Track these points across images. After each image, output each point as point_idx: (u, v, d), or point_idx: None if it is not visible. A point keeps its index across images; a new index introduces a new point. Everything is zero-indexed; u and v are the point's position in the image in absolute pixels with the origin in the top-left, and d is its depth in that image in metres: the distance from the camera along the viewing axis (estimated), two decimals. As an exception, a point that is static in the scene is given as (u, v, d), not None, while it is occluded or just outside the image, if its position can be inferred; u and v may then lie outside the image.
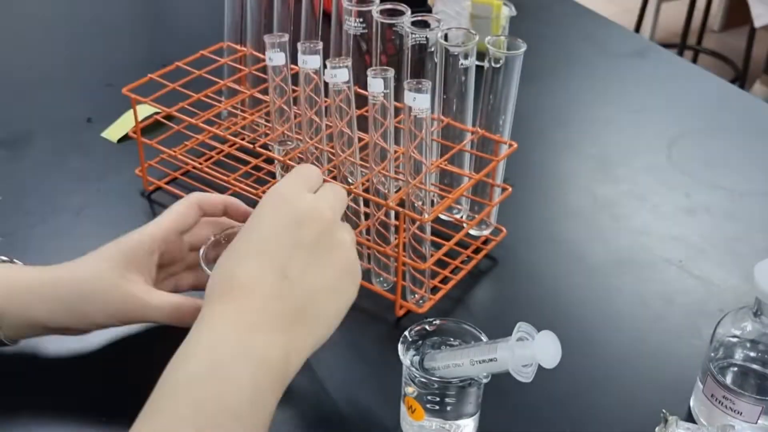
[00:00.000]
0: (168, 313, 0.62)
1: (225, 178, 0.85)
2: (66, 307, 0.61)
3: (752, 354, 0.62)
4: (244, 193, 0.83)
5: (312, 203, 0.54)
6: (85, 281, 0.61)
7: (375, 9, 0.78)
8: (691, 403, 0.67)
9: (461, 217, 0.86)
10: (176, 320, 0.62)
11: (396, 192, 0.74)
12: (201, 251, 0.65)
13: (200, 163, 0.90)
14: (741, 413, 0.61)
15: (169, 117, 0.89)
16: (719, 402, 0.62)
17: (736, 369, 0.63)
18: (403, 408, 0.63)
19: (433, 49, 0.77)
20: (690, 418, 0.66)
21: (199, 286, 0.70)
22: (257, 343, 0.49)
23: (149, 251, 0.64)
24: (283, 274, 0.51)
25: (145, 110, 0.96)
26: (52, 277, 0.62)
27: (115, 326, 0.65)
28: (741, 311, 0.63)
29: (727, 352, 0.63)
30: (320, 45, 0.73)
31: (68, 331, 0.64)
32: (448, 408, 0.61)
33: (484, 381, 0.60)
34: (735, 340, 0.63)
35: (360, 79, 0.76)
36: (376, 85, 0.69)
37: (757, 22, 2.54)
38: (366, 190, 0.75)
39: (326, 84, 0.73)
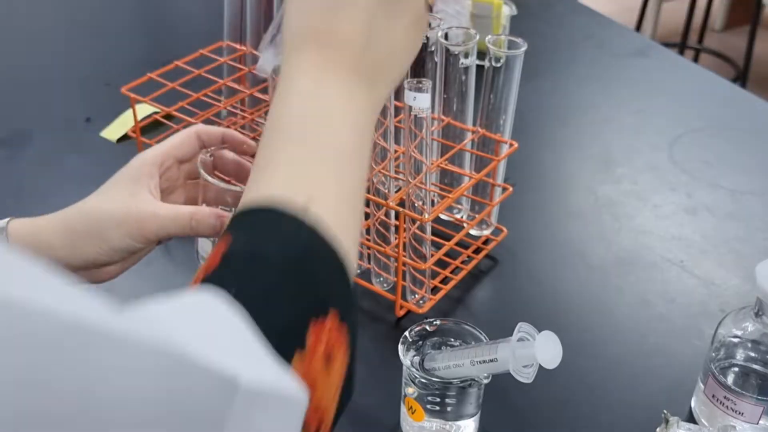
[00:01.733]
0: (183, 222, 0.60)
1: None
2: (81, 236, 0.60)
3: (753, 354, 0.62)
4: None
5: None
6: (95, 207, 0.61)
7: (375, 8, 0.77)
8: (692, 404, 0.67)
9: (462, 217, 0.86)
10: (191, 229, 0.60)
11: (396, 192, 0.74)
12: (199, 160, 0.65)
13: (200, 163, 0.90)
14: (742, 414, 0.61)
15: (168, 116, 0.89)
16: (720, 402, 0.62)
17: (737, 369, 0.63)
18: (404, 408, 0.63)
19: (433, 49, 0.77)
20: (691, 418, 0.66)
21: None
22: (357, 99, 0.47)
23: (150, 173, 0.63)
24: (370, 28, 0.47)
25: (144, 110, 0.96)
26: (61, 215, 0.62)
27: (136, 249, 0.63)
28: (742, 311, 0.62)
29: (728, 352, 0.63)
30: (320, 44, 0.72)
31: (96, 271, 0.63)
32: (449, 408, 0.61)
33: (485, 381, 0.60)
34: (736, 340, 0.63)
35: (360, 79, 0.76)
36: (376, 84, 0.68)
37: None
38: (366, 190, 0.75)
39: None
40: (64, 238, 0.61)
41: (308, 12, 0.49)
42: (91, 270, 0.62)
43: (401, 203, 0.72)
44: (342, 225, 0.42)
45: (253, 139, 0.87)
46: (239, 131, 0.92)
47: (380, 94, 0.49)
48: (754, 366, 0.62)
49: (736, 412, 0.61)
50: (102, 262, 0.62)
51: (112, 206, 0.61)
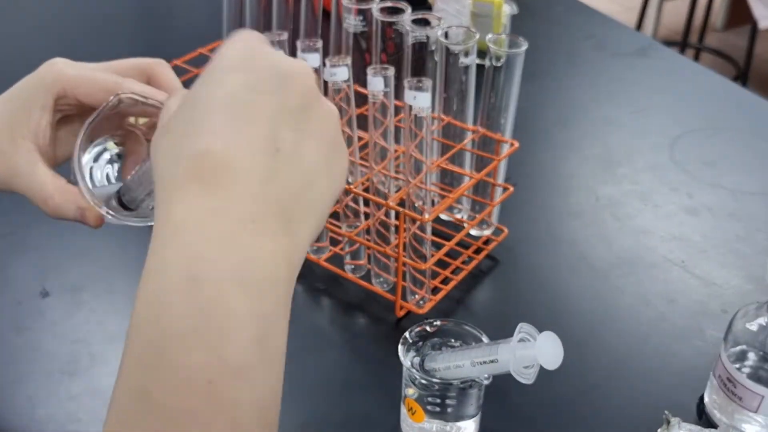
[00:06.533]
0: (45, 196, 0.54)
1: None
2: None
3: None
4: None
5: (293, 59, 0.40)
6: None
7: (375, 7, 0.77)
8: (705, 399, 0.66)
9: (462, 217, 0.86)
10: (53, 210, 0.55)
11: (396, 192, 0.74)
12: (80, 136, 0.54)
13: (199, 163, 0.90)
14: (741, 399, 0.61)
15: (168, 116, 0.89)
16: (731, 393, 0.61)
17: (751, 363, 0.62)
18: (404, 410, 0.62)
19: (433, 48, 0.77)
20: (699, 416, 0.66)
21: None
22: (261, 251, 0.35)
23: (44, 105, 0.57)
24: (274, 146, 0.37)
25: (144, 109, 0.95)
26: None
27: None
28: (754, 307, 0.62)
29: (741, 345, 0.62)
30: (320, 43, 0.72)
31: None
32: (449, 409, 0.60)
33: (485, 382, 0.59)
34: (750, 335, 0.62)
35: (360, 78, 0.76)
36: (376, 83, 0.68)
37: (762, 24, 2.53)
38: (366, 190, 0.74)
39: (326, 82, 0.72)
40: None
41: (177, 134, 0.38)
42: None
43: (401, 203, 0.72)
44: None
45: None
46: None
47: (302, 239, 0.38)
48: None
49: (739, 398, 0.61)
50: None
51: None
